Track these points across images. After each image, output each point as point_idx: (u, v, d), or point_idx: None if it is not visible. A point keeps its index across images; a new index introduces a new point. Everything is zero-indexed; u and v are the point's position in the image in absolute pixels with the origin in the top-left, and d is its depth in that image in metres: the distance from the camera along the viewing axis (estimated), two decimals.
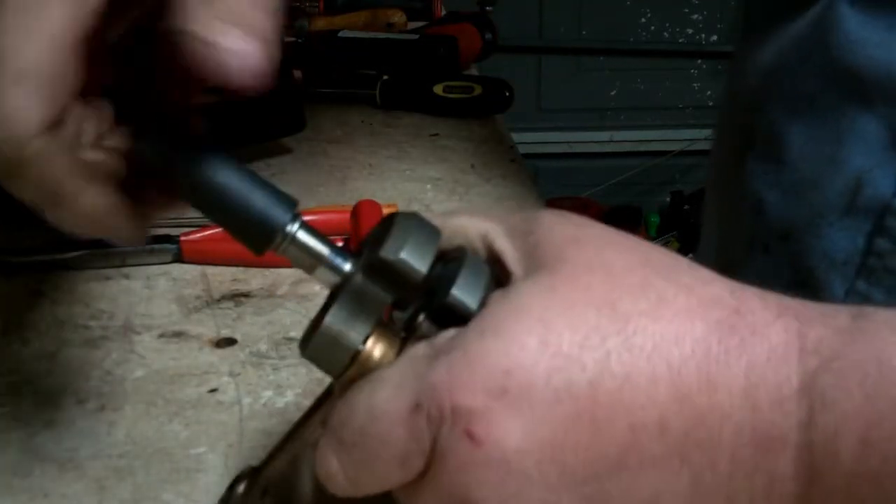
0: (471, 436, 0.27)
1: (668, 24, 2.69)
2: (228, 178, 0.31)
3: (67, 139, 0.30)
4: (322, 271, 0.32)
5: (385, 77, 0.92)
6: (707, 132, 2.62)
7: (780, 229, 0.49)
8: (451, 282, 0.30)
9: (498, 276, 0.31)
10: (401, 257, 0.30)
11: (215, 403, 0.44)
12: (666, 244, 2.69)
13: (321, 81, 0.96)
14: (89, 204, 0.31)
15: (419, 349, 0.30)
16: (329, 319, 0.30)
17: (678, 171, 2.79)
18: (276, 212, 0.31)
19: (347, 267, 0.31)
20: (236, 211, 0.31)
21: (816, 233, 0.46)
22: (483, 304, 0.30)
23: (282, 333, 0.50)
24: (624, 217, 2.52)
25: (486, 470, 0.27)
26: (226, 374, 0.46)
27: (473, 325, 0.29)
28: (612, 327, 0.28)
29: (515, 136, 0.89)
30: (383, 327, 0.31)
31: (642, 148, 2.76)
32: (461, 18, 1.10)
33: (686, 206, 2.70)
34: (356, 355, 0.30)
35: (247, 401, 0.44)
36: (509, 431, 0.27)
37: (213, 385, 0.45)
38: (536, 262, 0.30)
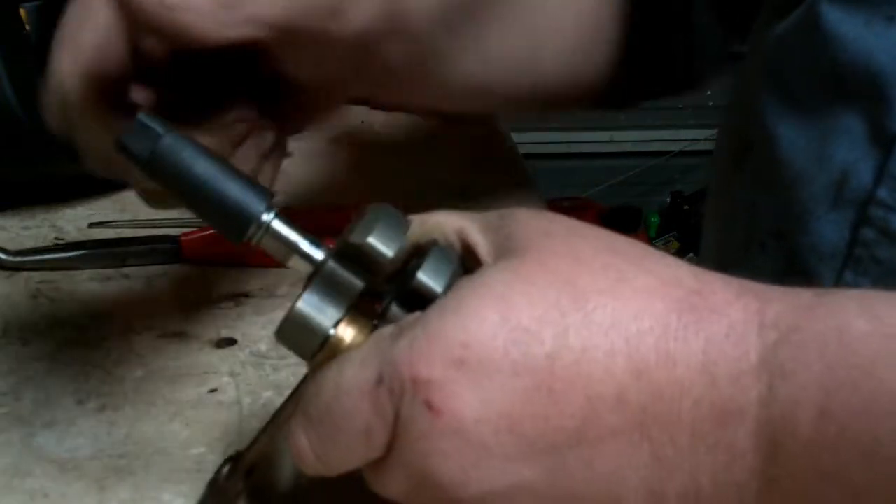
0: (430, 406, 0.28)
1: None
2: (205, 168, 0.32)
3: None
4: (296, 260, 0.33)
5: None
6: (707, 132, 2.61)
7: (773, 227, 0.50)
8: (418, 268, 0.31)
9: (471, 268, 0.32)
10: (368, 241, 0.31)
11: (215, 403, 0.44)
12: (666, 244, 2.69)
13: None
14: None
15: (386, 330, 0.31)
16: (300, 304, 0.32)
17: (678, 171, 2.79)
18: (252, 202, 0.32)
19: (320, 255, 0.33)
20: (213, 200, 0.32)
21: (805, 228, 0.47)
22: (449, 288, 0.31)
23: None
24: (624, 217, 2.52)
25: (445, 440, 0.28)
26: (226, 374, 0.46)
27: (436, 304, 0.30)
28: (571, 304, 0.28)
29: (515, 136, 0.89)
30: (356, 313, 0.32)
31: (642, 148, 2.76)
32: None
33: (686, 206, 2.70)
34: (326, 340, 0.31)
35: (247, 401, 0.44)
36: (467, 401, 0.28)
37: (213, 385, 0.45)
38: (506, 252, 0.31)
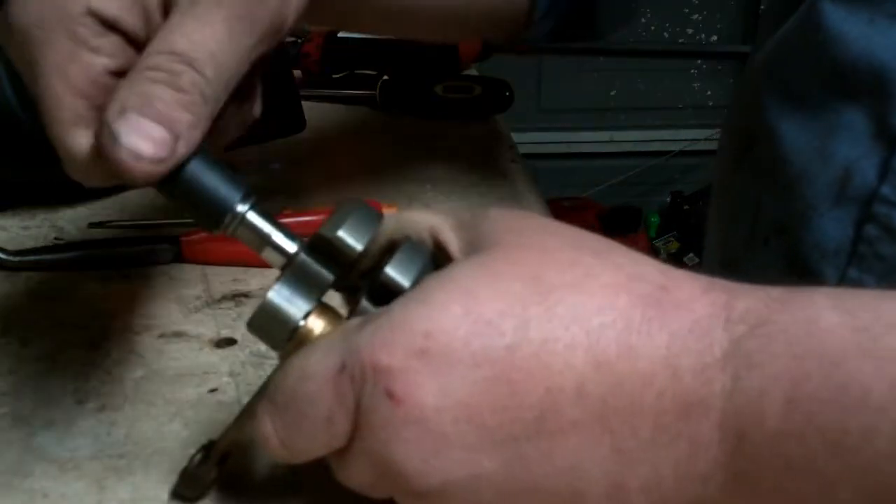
0: (390, 394, 0.29)
1: (668, 24, 2.69)
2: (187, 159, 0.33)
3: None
4: (269, 252, 0.33)
5: (385, 77, 0.92)
6: (707, 132, 2.62)
7: (776, 223, 0.50)
8: (387, 263, 0.32)
9: (443, 265, 0.32)
10: (338, 234, 0.32)
11: (215, 403, 0.44)
12: (666, 244, 2.69)
13: (321, 81, 0.96)
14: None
15: (353, 321, 0.32)
16: (271, 295, 0.32)
17: (678, 171, 2.79)
18: (230, 193, 0.33)
19: (293, 248, 0.33)
20: (191, 189, 0.33)
21: (808, 225, 0.48)
22: (417, 283, 0.31)
23: None
24: (624, 217, 2.52)
25: (405, 428, 0.29)
26: (226, 374, 0.46)
27: (402, 296, 0.30)
28: (534, 297, 0.29)
29: (515, 136, 0.89)
30: (326, 306, 0.33)
31: (642, 148, 2.76)
32: None
33: (686, 206, 2.70)
34: (296, 330, 0.32)
35: (247, 401, 0.44)
36: (427, 391, 0.28)
37: (213, 385, 0.45)
38: (476, 248, 0.31)
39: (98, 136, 0.32)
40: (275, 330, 0.32)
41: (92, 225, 0.63)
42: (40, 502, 0.37)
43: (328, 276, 0.33)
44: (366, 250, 0.33)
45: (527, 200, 0.70)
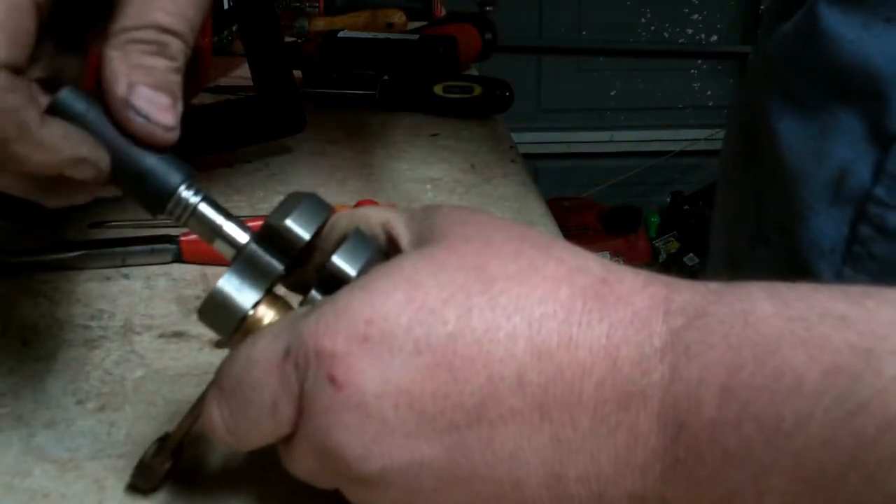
0: (332, 379, 0.29)
1: (668, 24, 2.69)
2: (126, 139, 0.34)
3: (25, 82, 0.33)
4: (220, 243, 0.34)
5: (385, 77, 0.92)
6: (707, 132, 2.62)
7: (777, 223, 0.51)
8: (335, 252, 0.33)
9: (393, 255, 0.33)
10: (285, 223, 0.33)
11: None
12: (666, 244, 2.69)
13: (321, 81, 0.96)
14: (47, 133, 0.33)
15: (300, 310, 0.32)
16: (220, 284, 0.33)
17: (678, 171, 2.79)
18: (170, 175, 0.34)
19: (244, 239, 0.34)
20: (130, 171, 0.34)
21: (806, 224, 0.48)
22: (364, 272, 0.32)
23: None
24: (624, 217, 2.52)
25: (346, 413, 0.29)
26: None
27: (348, 284, 0.31)
28: (478, 288, 0.29)
29: (515, 136, 0.89)
30: (276, 297, 0.34)
31: (642, 148, 2.76)
32: (461, 18, 1.11)
33: (686, 206, 2.70)
34: (244, 319, 0.33)
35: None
36: (368, 376, 0.29)
37: None
38: (424, 241, 0.32)
39: (117, 115, 0.34)
40: (224, 319, 0.33)
41: (92, 225, 0.63)
42: (40, 502, 0.37)
43: (278, 266, 0.33)
44: (318, 243, 0.34)
45: (527, 200, 0.70)
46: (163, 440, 0.36)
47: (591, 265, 0.31)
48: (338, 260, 0.32)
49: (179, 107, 0.34)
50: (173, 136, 0.34)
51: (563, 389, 0.28)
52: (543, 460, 0.29)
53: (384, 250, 0.34)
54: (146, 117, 0.33)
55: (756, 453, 0.26)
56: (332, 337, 0.29)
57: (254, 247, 0.34)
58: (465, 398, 0.29)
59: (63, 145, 0.33)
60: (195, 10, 0.36)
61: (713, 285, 0.29)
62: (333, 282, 0.32)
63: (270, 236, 0.33)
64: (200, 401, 0.34)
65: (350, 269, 0.32)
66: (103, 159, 0.34)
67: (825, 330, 0.26)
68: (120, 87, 0.33)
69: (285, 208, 0.33)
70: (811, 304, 0.27)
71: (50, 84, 0.36)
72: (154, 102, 0.34)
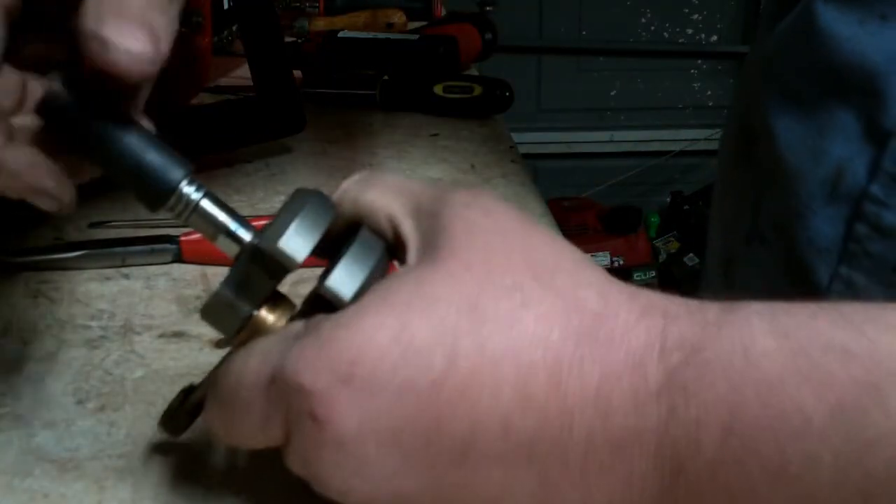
0: (312, 416, 0.29)
1: (668, 24, 2.69)
2: (126, 133, 0.32)
3: None
4: (223, 240, 0.33)
5: (385, 77, 0.92)
6: (707, 132, 2.62)
7: (774, 221, 0.51)
8: (332, 268, 0.31)
9: (400, 256, 0.32)
10: (278, 246, 0.31)
11: None
12: (666, 244, 2.69)
13: (321, 81, 0.96)
14: (12, 158, 0.32)
15: (295, 326, 0.31)
16: (225, 284, 0.32)
17: (678, 171, 2.79)
18: (170, 170, 0.32)
19: (248, 236, 0.33)
20: (129, 166, 0.32)
21: (803, 222, 0.48)
22: (364, 288, 0.31)
23: None
24: (624, 217, 2.52)
25: (326, 449, 0.29)
26: None
27: (339, 312, 0.30)
28: (466, 327, 0.28)
29: (515, 136, 0.89)
30: (280, 296, 0.33)
31: (642, 148, 2.76)
32: (461, 18, 1.11)
33: (686, 206, 2.70)
34: (248, 320, 0.32)
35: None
36: (349, 416, 0.28)
37: None
38: (429, 245, 0.31)
39: (84, 48, 0.30)
40: (227, 319, 0.32)
41: (92, 225, 0.63)
42: (40, 502, 0.37)
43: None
44: (325, 235, 0.32)
45: (527, 200, 0.70)
46: (188, 391, 0.36)
47: (588, 295, 0.29)
48: (332, 284, 0.31)
49: (162, 47, 0.31)
50: (151, 70, 0.31)
51: (552, 437, 0.28)
52: (531, 502, 0.28)
53: (390, 247, 0.33)
54: (122, 49, 0.30)
55: (761, 496, 0.25)
56: (314, 374, 0.28)
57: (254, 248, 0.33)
58: (450, 441, 0.28)
59: (27, 174, 0.32)
60: None
61: (711, 313, 0.28)
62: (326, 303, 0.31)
63: (262, 259, 0.32)
64: (223, 361, 0.34)
65: (346, 293, 0.31)
66: (67, 194, 0.33)
67: (829, 365, 0.25)
68: (88, 20, 0.30)
69: (279, 225, 0.32)
70: (812, 335, 0.26)
71: (42, 68, 0.34)
72: (126, 34, 0.30)
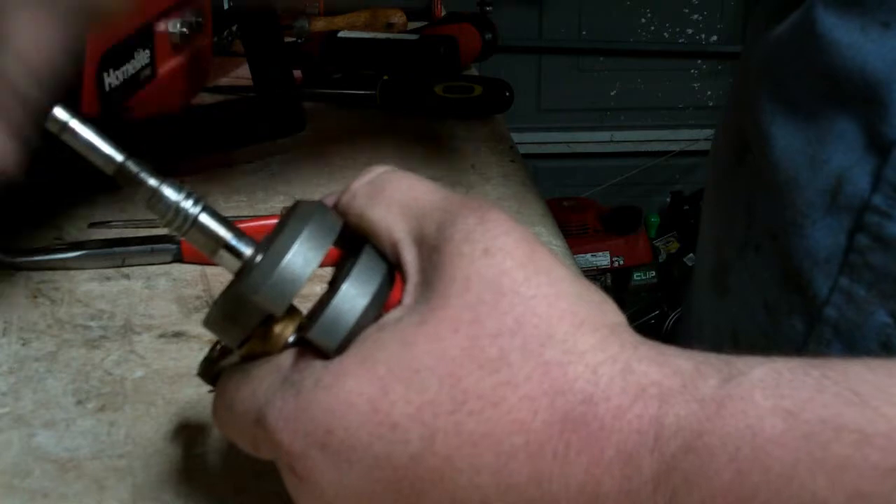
0: (292, 470, 0.29)
1: (668, 24, 2.69)
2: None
3: None
4: (224, 255, 0.32)
5: (385, 77, 0.92)
6: (707, 132, 2.62)
7: (769, 229, 0.50)
8: (327, 301, 0.30)
9: (402, 277, 0.31)
10: (254, 299, 0.30)
11: None
12: (666, 244, 2.69)
13: (321, 81, 0.96)
14: None
15: (286, 358, 0.31)
16: (225, 297, 0.32)
17: (678, 171, 2.79)
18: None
19: (249, 251, 0.32)
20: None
21: (801, 232, 0.47)
22: (355, 332, 0.30)
23: None
24: (624, 217, 2.52)
25: (306, 498, 0.30)
26: None
27: (322, 365, 0.29)
28: (447, 405, 0.27)
29: (515, 136, 0.89)
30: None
31: (642, 148, 2.76)
32: (461, 18, 1.11)
33: (686, 206, 2.70)
34: (252, 332, 0.32)
35: None
36: (326, 478, 0.29)
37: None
38: (425, 293, 0.30)
39: None
40: (231, 331, 0.32)
41: (92, 225, 0.63)
42: (40, 502, 0.37)
43: None
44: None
45: (526, 200, 0.70)
46: (224, 350, 0.35)
47: (577, 374, 0.27)
48: (317, 333, 0.30)
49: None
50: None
51: None
52: None
53: (392, 271, 0.32)
54: None
55: None
56: (291, 436, 0.28)
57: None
58: None
59: None
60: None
61: (710, 387, 0.26)
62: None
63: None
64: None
65: (331, 343, 0.30)
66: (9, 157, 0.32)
67: (844, 449, 0.24)
68: None
69: (266, 265, 0.30)
70: (823, 414, 0.24)
71: None
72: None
